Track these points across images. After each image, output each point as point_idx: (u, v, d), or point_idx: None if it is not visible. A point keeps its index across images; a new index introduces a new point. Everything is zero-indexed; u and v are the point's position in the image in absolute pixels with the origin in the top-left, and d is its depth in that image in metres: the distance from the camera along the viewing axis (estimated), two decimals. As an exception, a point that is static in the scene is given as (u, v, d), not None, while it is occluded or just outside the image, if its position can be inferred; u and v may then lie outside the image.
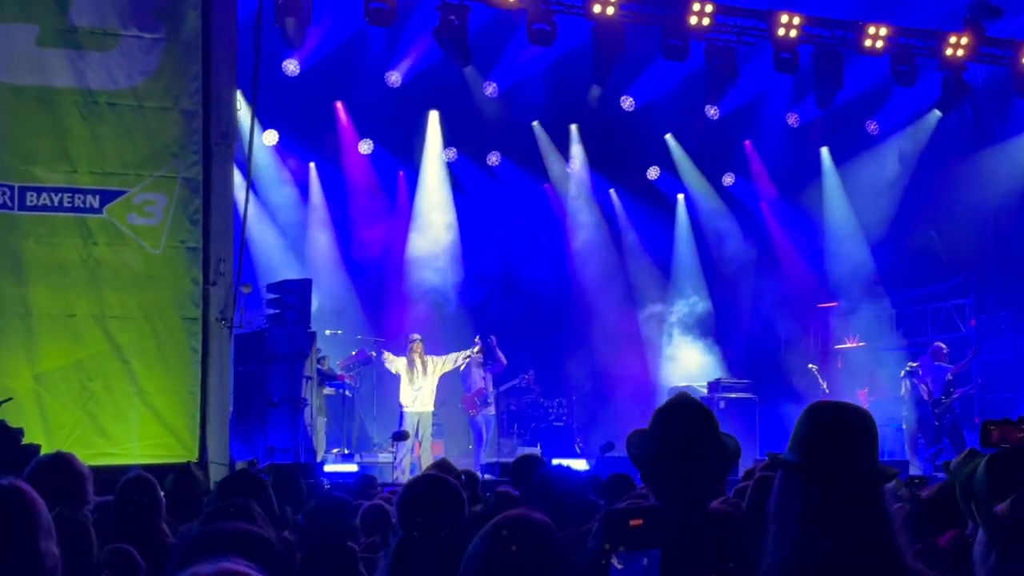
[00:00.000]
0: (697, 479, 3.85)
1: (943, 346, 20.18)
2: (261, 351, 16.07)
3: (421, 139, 22.73)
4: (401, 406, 18.50)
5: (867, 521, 3.12)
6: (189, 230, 13.69)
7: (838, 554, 3.08)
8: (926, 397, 19.82)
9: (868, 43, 18.66)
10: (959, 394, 19.74)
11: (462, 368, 19.44)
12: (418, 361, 18.54)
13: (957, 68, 19.30)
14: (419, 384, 18.45)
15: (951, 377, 19.63)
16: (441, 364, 18.76)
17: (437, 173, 22.86)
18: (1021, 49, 19.32)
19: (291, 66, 19.80)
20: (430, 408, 18.62)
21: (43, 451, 10.71)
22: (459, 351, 19.26)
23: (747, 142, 23.90)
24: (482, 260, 22.84)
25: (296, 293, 16.97)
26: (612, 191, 24.47)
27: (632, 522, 2.66)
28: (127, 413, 13.33)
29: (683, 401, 4.11)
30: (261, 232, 20.77)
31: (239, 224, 14.60)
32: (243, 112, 16.00)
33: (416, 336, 18.82)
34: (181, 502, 7.17)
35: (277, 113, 20.15)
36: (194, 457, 12.86)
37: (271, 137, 21.00)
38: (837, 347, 23.18)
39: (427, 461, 16.93)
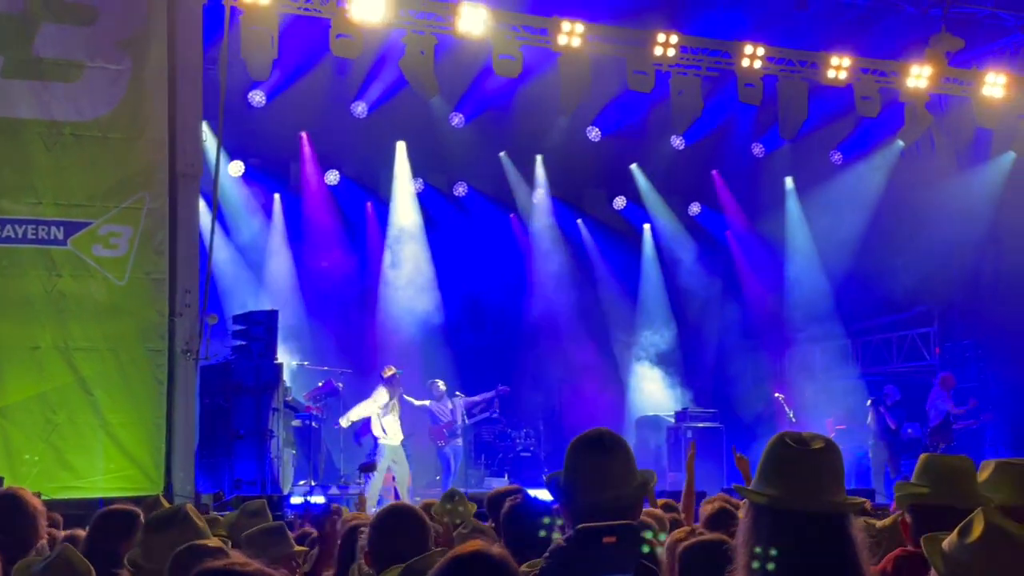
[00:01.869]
0: (610, 507, 3.87)
1: (950, 376, 20.34)
2: (227, 383, 15.97)
3: (388, 170, 22.70)
4: (376, 439, 18.39)
5: (834, 551, 3.12)
6: (154, 261, 13.64)
7: None
8: (892, 426, 19.93)
9: (831, 74, 18.79)
10: (961, 425, 19.94)
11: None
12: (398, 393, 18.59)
13: (919, 98, 19.45)
14: (396, 415, 18.47)
15: (952, 410, 19.83)
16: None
17: (407, 203, 22.85)
18: (982, 79, 19.49)
19: (257, 97, 19.77)
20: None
21: (6, 484, 10.62)
22: (431, 380, 19.57)
23: (714, 172, 24.00)
24: (450, 290, 22.82)
25: (262, 324, 16.88)
26: (579, 221, 24.51)
27: (605, 540, 2.65)
28: (91, 446, 13.23)
29: (595, 433, 4.18)
30: (227, 263, 20.68)
31: (205, 255, 14.56)
32: (209, 143, 15.98)
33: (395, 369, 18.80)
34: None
35: (243, 144, 20.13)
36: (159, 490, 12.75)
37: (237, 168, 20.93)
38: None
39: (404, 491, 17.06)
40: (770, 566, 3.12)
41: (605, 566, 2.64)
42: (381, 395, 18.45)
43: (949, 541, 3.56)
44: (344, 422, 18.82)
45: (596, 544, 2.63)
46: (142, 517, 6.36)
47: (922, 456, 4.68)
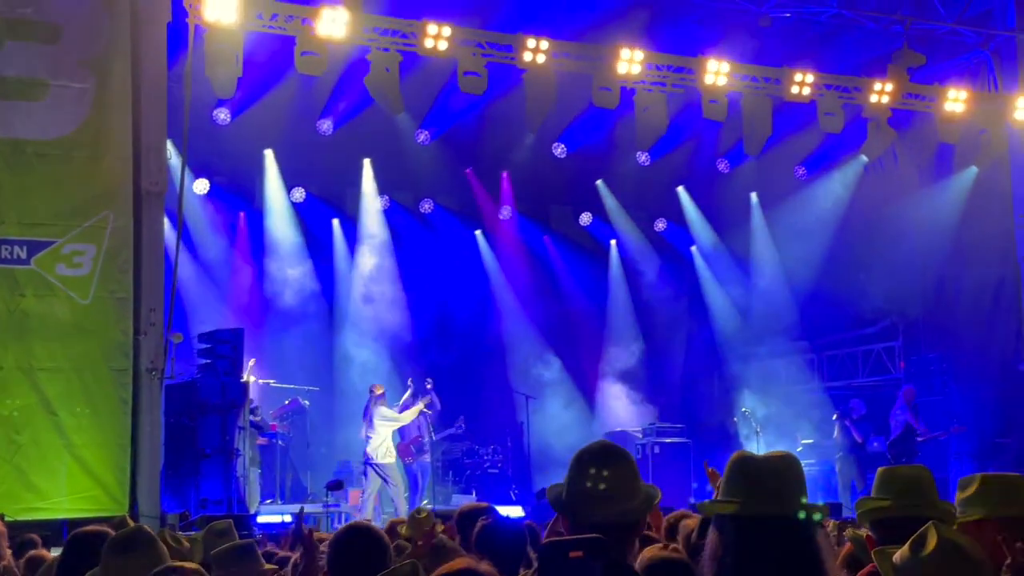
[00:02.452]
0: (615, 522, 3.85)
1: (911, 389, 20.46)
2: (192, 401, 15.90)
3: (354, 187, 22.69)
4: (371, 457, 18.45)
5: (802, 558, 3.14)
6: (119, 280, 13.58)
7: None
8: (859, 440, 20.03)
9: (795, 90, 18.89)
10: (926, 438, 20.05)
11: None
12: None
13: (882, 114, 19.59)
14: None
15: (913, 423, 19.96)
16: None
17: (374, 220, 22.84)
18: (944, 95, 19.66)
19: (222, 115, 19.70)
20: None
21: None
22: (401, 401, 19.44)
23: (679, 188, 24.08)
24: (416, 307, 22.80)
25: (228, 343, 16.83)
26: (546, 238, 24.55)
27: (572, 554, 2.63)
28: (56, 466, 13.14)
29: (598, 445, 4.13)
30: (192, 282, 20.58)
31: (170, 274, 14.49)
32: (174, 161, 15.93)
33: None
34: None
35: (208, 162, 20.07)
36: (124, 510, 12.66)
37: (202, 186, 20.85)
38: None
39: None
40: None
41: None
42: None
43: (901, 554, 3.57)
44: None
45: (563, 559, 2.62)
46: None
47: (880, 469, 4.67)
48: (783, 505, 3.21)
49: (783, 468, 3.29)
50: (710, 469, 6.99)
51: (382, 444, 18.47)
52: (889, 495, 4.50)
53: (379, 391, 18.78)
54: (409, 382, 19.82)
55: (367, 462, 18.59)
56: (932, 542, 3.46)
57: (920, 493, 4.52)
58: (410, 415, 19.00)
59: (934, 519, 3.71)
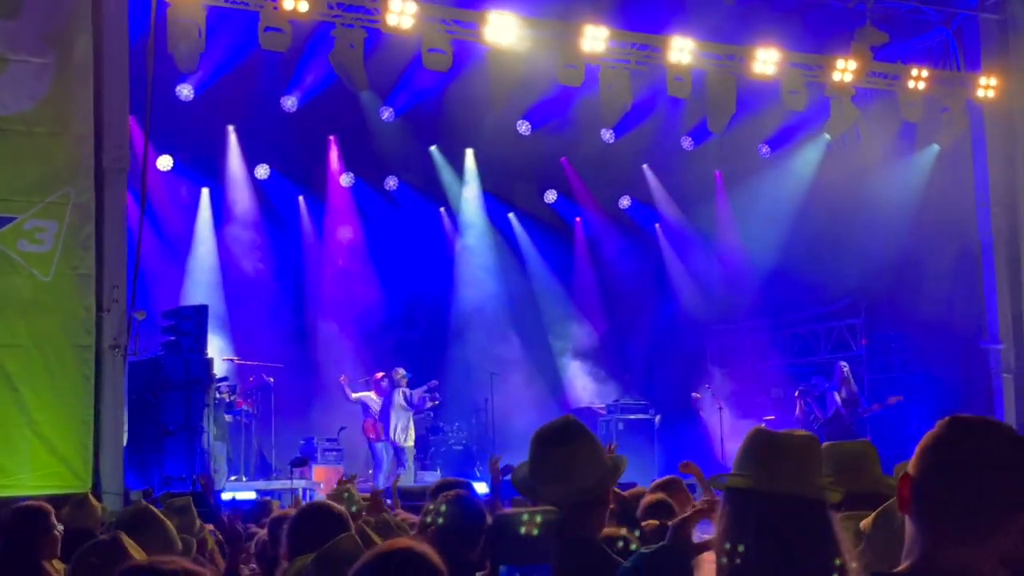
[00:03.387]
0: (573, 497, 3.88)
1: (841, 365, 20.56)
2: (156, 379, 15.86)
3: (319, 164, 22.63)
4: (396, 442, 19.06)
5: (815, 535, 3.15)
6: (81, 256, 13.49)
7: (790, 568, 3.11)
8: (820, 416, 20.15)
9: (759, 67, 18.93)
10: (865, 412, 20.14)
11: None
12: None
13: (845, 92, 19.66)
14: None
15: (843, 396, 20.01)
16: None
17: (339, 197, 22.85)
18: (906, 74, 19.75)
19: (185, 91, 19.59)
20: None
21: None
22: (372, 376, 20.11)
23: (644, 165, 24.13)
24: (381, 284, 22.80)
25: (192, 320, 16.78)
26: (511, 215, 24.56)
27: (524, 526, 2.62)
28: (18, 444, 13.07)
29: (559, 423, 4.15)
30: (155, 258, 20.48)
31: (133, 250, 14.42)
32: (136, 137, 15.84)
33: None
34: (79, 533, 7.00)
35: (171, 138, 19.94)
36: (87, 487, 12.63)
37: (165, 162, 20.75)
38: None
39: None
40: (749, 553, 3.13)
41: (526, 554, 2.63)
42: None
43: (866, 524, 3.63)
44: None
45: (515, 532, 2.62)
46: (52, 514, 6.32)
47: (824, 446, 4.74)
48: (800, 484, 3.21)
49: (803, 447, 3.31)
50: (684, 462, 6.99)
51: (400, 427, 19.08)
52: (829, 471, 4.57)
53: (402, 376, 19.51)
54: (434, 383, 20.54)
55: (390, 442, 19.53)
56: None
57: (858, 469, 4.61)
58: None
59: (882, 494, 3.78)
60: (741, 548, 3.14)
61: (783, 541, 3.12)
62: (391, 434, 19.40)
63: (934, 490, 2.49)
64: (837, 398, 20.07)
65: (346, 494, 7.84)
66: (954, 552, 2.45)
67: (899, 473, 4.75)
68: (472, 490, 6.90)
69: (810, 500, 3.19)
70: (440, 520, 6.10)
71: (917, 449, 2.56)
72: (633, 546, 4.26)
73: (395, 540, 3.43)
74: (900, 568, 2.50)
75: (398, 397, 19.58)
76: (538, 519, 2.61)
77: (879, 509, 3.97)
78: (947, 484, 2.48)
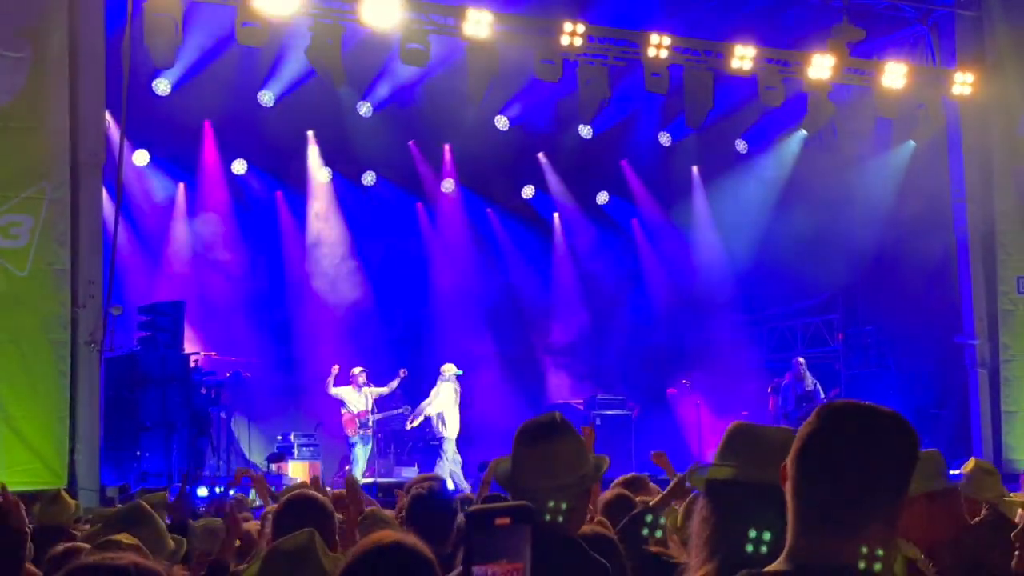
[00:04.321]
0: (555, 495, 3.87)
1: (800, 362, 20.67)
2: (133, 375, 15.84)
3: (296, 159, 22.55)
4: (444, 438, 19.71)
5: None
6: (57, 252, 13.46)
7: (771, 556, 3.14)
8: (791, 410, 20.27)
9: (736, 63, 18.94)
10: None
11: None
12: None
13: (822, 88, 19.71)
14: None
15: (798, 393, 20.20)
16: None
17: (320, 193, 22.82)
18: (883, 70, 19.81)
19: (162, 86, 19.49)
20: None
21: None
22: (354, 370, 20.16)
23: (623, 161, 24.14)
24: (359, 279, 22.74)
25: (169, 315, 16.77)
26: (489, 210, 24.54)
27: (498, 521, 2.61)
28: (-8, 439, 13.03)
29: (546, 418, 4.13)
30: (132, 254, 20.41)
31: (109, 245, 14.38)
32: (113, 132, 15.79)
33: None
34: (50, 530, 6.98)
35: (148, 133, 19.86)
36: (63, 483, 12.59)
37: (142, 157, 20.65)
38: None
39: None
40: (728, 541, 3.14)
41: (499, 551, 2.62)
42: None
43: None
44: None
45: (489, 528, 2.61)
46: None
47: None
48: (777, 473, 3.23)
49: (783, 440, 3.23)
50: (655, 452, 7.00)
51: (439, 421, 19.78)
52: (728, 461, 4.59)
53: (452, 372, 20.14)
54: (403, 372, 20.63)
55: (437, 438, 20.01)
56: None
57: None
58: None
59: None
60: (723, 536, 3.16)
61: (766, 529, 3.09)
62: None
63: (802, 480, 2.47)
64: (790, 396, 20.27)
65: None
66: (822, 544, 2.44)
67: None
68: (444, 485, 6.92)
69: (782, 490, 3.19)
70: (404, 514, 6.12)
71: (794, 440, 2.55)
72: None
73: (383, 533, 3.43)
74: (771, 567, 2.49)
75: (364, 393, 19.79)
76: (513, 515, 2.60)
77: None
78: (816, 474, 2.46)
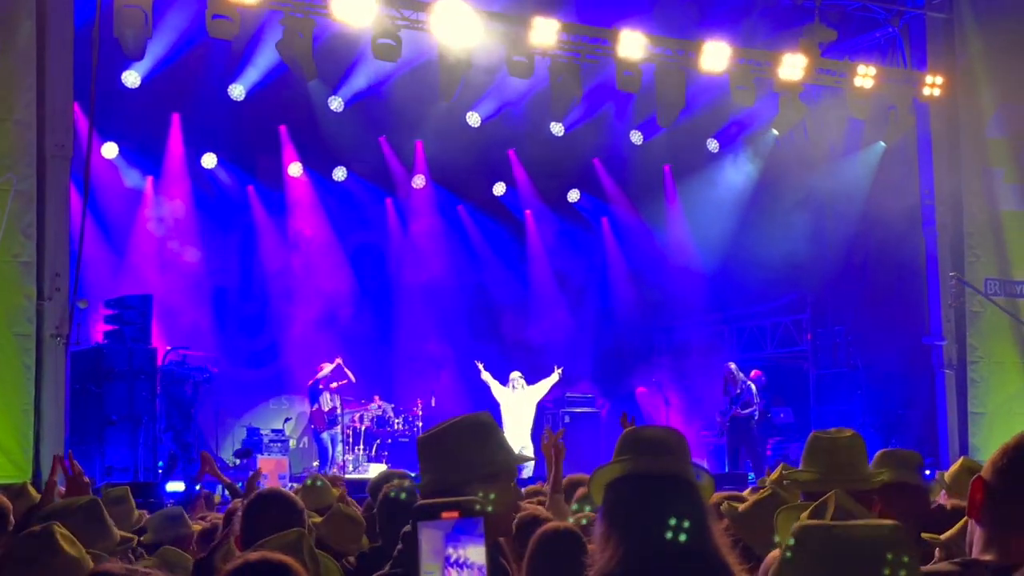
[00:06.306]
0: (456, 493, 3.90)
1: (730, 366, 20.81)
2: (99, 368, 15.73)
3: (267, 153, 22.47)
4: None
5: (684, 512, 3.31)
6: (22, 244, 13.36)
7: (661, 547, 3.27)
8: (743, 412, 20.36)
9: (707, 63, 18.96)
10: (750, 411, 20.39)
11: None
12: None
13: (793, 88, 19.76)
14: None
15: (732, 395, 20.40)
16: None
17: (291, 187, 22.76)
18: (854, 71, 19.86)
19: (131, 78, 19.36)
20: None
21: None
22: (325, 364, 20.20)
23: (595, 160, 24.15)
24: (329, 275, 22.68)
25: (136, 309, 16.67)
26: (460, 207, 24.51)
27: (445, 515, 2.60)
28: (-44, 433, 12.93)
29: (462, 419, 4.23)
30: (99, 247, 20.27)
31: (75, 238, 14.28)
32: (81, 124, 15.67)
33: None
34: (17, 523, 6.90)
35: (117, 126, 19.75)
36: (27, 477, 12.47)
37: (110, 150, 20.52)
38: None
39: None
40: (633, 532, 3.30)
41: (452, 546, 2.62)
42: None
43: (804, 518, 3.67)
44: None
45: (438, 522, 2.60)
46: (10, 508, 6.24)
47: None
48: (666, 464, 3.41)
49: (667, 435, 3.52)
50: (553, 435, 6.93)
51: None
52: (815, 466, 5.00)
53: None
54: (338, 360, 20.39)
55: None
56: (831, 509, 3.65)
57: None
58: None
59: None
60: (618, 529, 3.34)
61: (652, 518, 3.30)
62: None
63: (1007, 494, 2.78)
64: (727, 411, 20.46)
65: (319, 482, 7.82)
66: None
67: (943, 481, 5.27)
68: (417, 482, 6.87)
69: (675, 481, 3.38)
70: (376, 514, 6.07)
71: (991, 458, 2.89)
72: None
73: (261, 551, 3.44)
74: (986, 557, 2.78)
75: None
76: (460, 509, 2.61)
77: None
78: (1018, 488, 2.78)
